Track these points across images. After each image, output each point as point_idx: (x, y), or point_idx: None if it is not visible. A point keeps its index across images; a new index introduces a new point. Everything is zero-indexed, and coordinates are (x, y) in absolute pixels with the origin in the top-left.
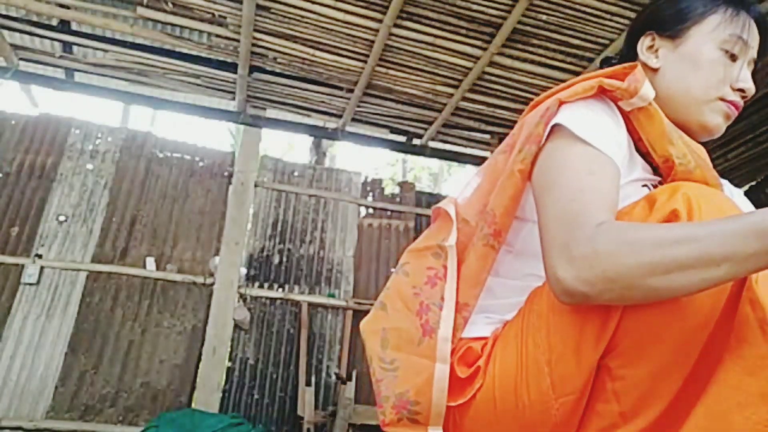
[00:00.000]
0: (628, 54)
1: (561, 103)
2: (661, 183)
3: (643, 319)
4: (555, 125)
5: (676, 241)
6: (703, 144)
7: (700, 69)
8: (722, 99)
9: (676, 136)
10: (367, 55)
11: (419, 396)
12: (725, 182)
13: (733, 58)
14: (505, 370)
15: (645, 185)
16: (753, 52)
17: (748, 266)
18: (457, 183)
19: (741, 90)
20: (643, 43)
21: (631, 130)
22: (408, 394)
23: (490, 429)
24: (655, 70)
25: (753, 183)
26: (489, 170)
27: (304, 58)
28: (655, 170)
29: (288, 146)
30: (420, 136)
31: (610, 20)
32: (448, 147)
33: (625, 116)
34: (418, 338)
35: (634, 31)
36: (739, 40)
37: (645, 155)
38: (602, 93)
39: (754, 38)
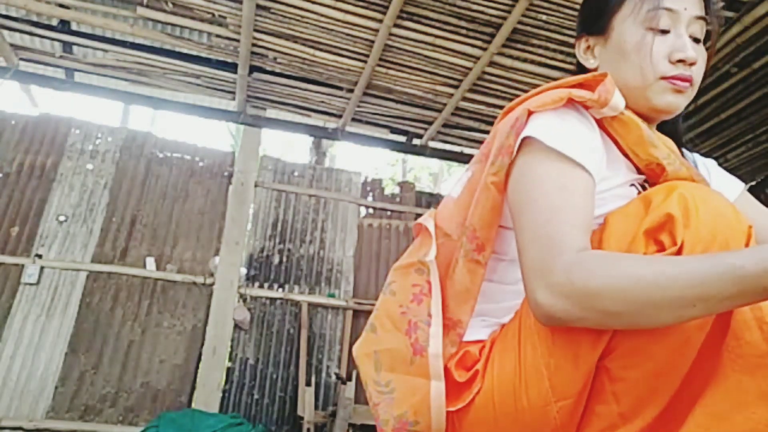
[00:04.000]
0: None
1: (530, 113)
2: (646, 182)
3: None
4: (526, 137)
5: (653, 282)
6: (704, 145)
7: (627, 56)
8: (663, 78)
9: (655, 138)
10: (367, 55)
11: (418, 416)
12: (697, 157)
13: (663, 32)
14: (503, 373)
15: (632, 185)
16: (691, 12)
17: (722, 307)
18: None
19: (681, 61)
20: (579, 47)
21: (608, 133)
22: (407, 415)
23: (489, 428)
24: (594, 70)
25: (753, 183)
26: (467, 182)
27: (304, 58)
28: (638, 169)
29: (288, 144)
30: (420, 136)
31: None
32: (448, 147)
33: (598, 121)
34: (409, 357)
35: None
36: (660, 12)
37: (626, 155)
38: (571, 103)
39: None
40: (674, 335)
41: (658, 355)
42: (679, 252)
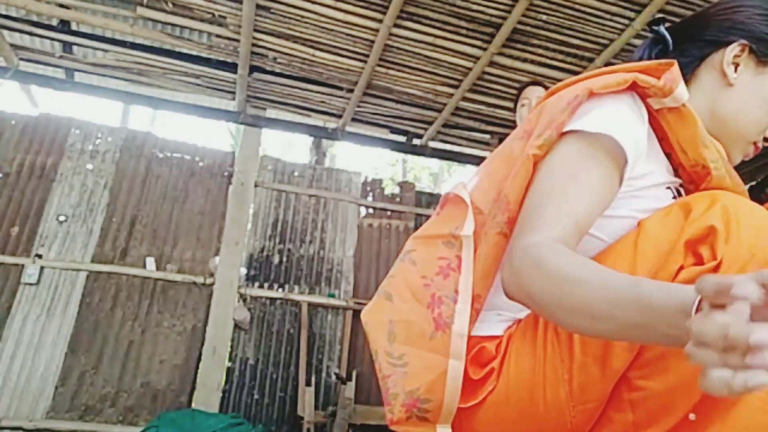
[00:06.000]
0: (675, 39)
1: (592, 94)
2: (682, 186)
3: None
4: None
5: (575, 283)
6: None
7: (762, 109)
8: (755, 143)
9: (708, 140)
10: (367, 55)
11: (430, 393)
12: None
13: None
14: (520, 374)
15: (668, 187)
16: None
17: (629, 334)
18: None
19: (766, 139)
20: (732, 52)
21: (656, 129)
22: (419, 392)
23: (498, 430)
24: (725, 85)
25: (753, 183)
26: (503, 157)
27: (304, 58)
28: (675, 171)
29: (288, 144)
30: (420, 136)
31: (610, 20)
32: (448, 147)
33: (651, 115)
34: (430, 332)
35: (710, 24)
36: None
37: (667, 155)
38: (633, 88)
39: None
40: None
41: (681, 369)
42: (717, 268)
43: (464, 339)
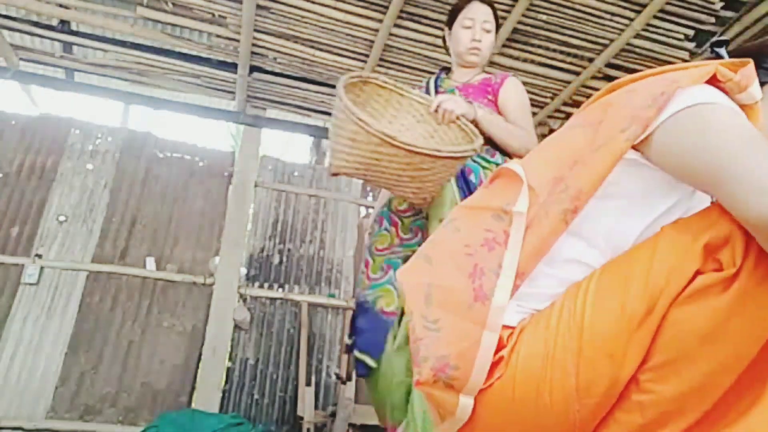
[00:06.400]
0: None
1: (678, 88)
2: None
3: (681, 337)
4: (689, 107)
5: None
6: None
7: None
8: None
9: None
10: (367, 55)
11: (460, 361)
12: None
13: None
14: (529, 365)
15: None
16: None
17: None
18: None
19: None
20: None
21: None
22: (449, 358)
23: (501, 419)
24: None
25: None
26: (561, 143)
27: (304, 58)
28: None
29: (288, 144)
30: None
31: (610, 20)
32: None
33: None
34: (468, 302)
35: None
36: None
37: None
38: (713, 82)
39: None
40: (713, 360)
41: (692, 376)
42: (735, 276)
43: (503, 313)
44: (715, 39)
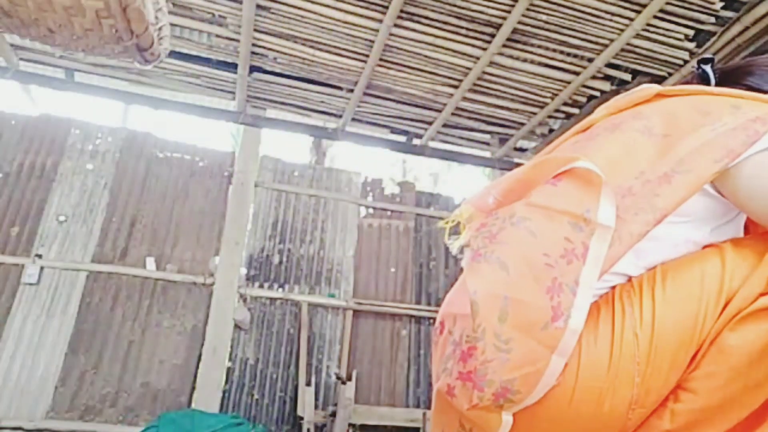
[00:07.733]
0: (718, 79)
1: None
2: None
3: (732, 353)
4: None
5: None
6: None
7: None
8: None
9: None
10: (367, 55)
11: (523, 386)
12: None
13: None
14: (591, 374)
15: None
16: None
17: None
18: (456, 183)
19: None
20: None
21: None
22: (514, 383)
23: (552, 427)
24: None
25: None
26: (624, 147)
27: (304, 58)
28: None
29: (288, 144)
30: (420, 136)
31: (610, 20)
32: (448, 147)
33: None
34: (545, 322)
35: (755, 73)
36: None
37: None
38: None
39: None
40: (748, 379)
41: (724, 393)
42: None
43: (576, 336)
44: (699, 57)
